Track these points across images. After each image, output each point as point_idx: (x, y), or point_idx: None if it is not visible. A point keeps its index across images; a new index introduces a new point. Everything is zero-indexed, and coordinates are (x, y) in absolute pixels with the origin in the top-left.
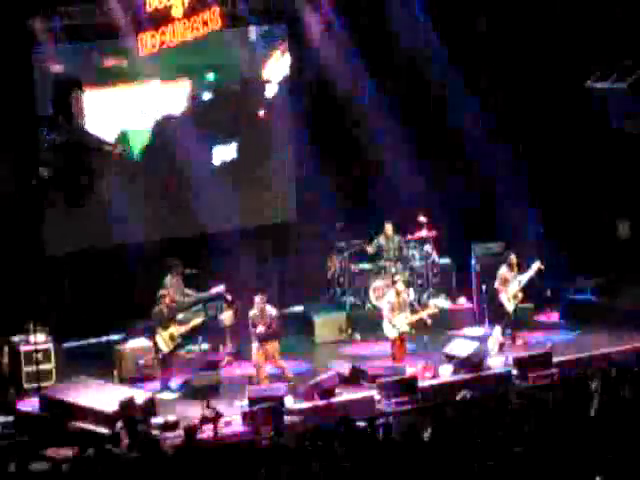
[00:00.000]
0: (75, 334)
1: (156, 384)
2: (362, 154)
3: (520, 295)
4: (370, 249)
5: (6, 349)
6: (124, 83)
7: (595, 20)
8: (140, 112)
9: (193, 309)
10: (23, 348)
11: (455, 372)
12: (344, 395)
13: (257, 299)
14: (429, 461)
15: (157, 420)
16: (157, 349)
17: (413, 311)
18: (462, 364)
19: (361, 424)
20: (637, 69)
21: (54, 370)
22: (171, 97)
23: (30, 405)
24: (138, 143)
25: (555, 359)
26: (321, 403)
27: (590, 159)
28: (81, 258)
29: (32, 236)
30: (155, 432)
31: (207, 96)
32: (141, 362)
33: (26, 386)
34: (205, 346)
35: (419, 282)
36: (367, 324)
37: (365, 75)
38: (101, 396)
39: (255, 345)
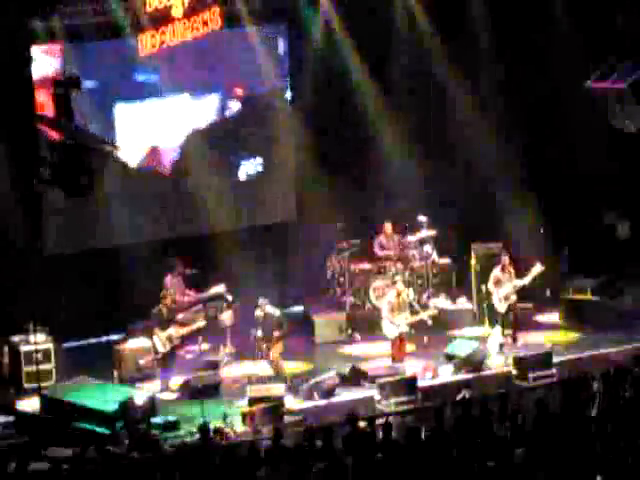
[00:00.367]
0: (75, 334)
1: (156, 384)
2: (362, 154)
3: (513, 297)
4: (377, 250)
5: (6, 349)
6: (155, 98)
7: (595, 20)
8: (170, 127)
9: (193, 309)
10: (23, 348)
11: (455, 372)
12: (344, 395)
13: (261, 301)
14: (429, 461)
15: (157, 420)
16: (156, 349)
17: (413, 311)
18: (462, 364)
19: (361, 424)
20: (637, 69)
21: (54, 370)
22: (200, 112)
23: (30, 405)
24: (168, 158)
25: (555, 359)
26: (321, 403)
27: (590, 159)
28: (81, 258)
29: (32, 236)
30: (155, 432)
31: (234, 111)
32: (141, 362)
33: (26, 386)
34: (205, 346)
35: (419, 282)
36: (367, 324)
37: (366, 75)
38: (101, 396)
39: (265, 345)
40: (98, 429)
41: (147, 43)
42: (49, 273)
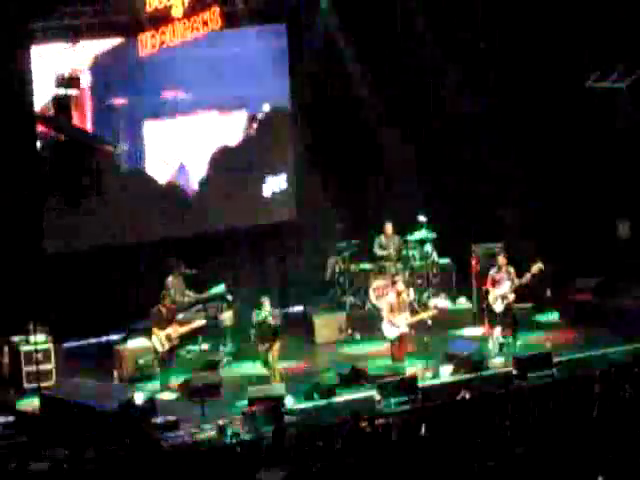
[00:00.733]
0: (75, 334)
1: (156, 384)
2: (362, 154)
3: (511, 296)
4: (377, 250)
5: (6, 349)
6: (183, 114)
7: (595, 20)
8: (198, 144)
9: (193, 309)
10: (23, 348)
11: (455, 372)
12: (344, 395)
13: (264, 300)
14: (429, 461)
15: (157, 420)
16: (156, 349)
17: (413, 311)
18: (462, 364)
19: (362, 424)
20: (637, 69)
21: (54, 370)
22: (228, 128)
23: (30, 405)
24: (196, 174)
25: (555, 359)
26: (321, 403)
27: (590, 159)
28: (81, 258)
29: (32, 236)
30: (155, 432)
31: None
32: (141, 362)
33: (26, 386)
34: (205, 346)
35: (419, 282)
36: (367, 324)
37: (366, 74)
38: (101, 396)
39: (265, 346)
40: (98, 429)
41: (147, 43)
42: (49, 273)
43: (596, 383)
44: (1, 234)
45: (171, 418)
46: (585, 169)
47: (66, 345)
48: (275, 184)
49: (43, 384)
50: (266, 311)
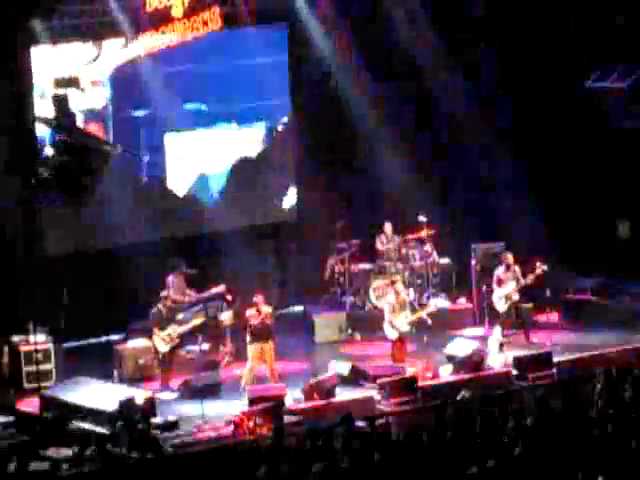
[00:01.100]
0: (75, 334)
1: (156, 384)
2: (362, 154)
3: (515, 296)
4: (379, 246)
5: (6, 349)
6: (203, 127)
7: (595, 20)
8: (218, 156)
9: (193, 309)
10: (23, 348)
11: (455, 372)
12: (344, 395)
13: (258, 298)
14: (429, 461)
15: (157, 420)
16: (156, 349)
17: (413, 310)
18: (462, 364)
19: (361, 424)
20: (637, 69)
21: (54, 370)
22: (247, 140)
23: (30, 405)
24: (215, 186)
25: (555, 359)
26: (321, 403)
27: (590, 159)
28: (81, 258)
29: (32, 236)
30: (155, 432)
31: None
32: (141, 362)
33: (26, 386)
34: (205, 346)
35: (419, 282)
36: (367, 324)
37: (365, 75)
38: (101, 396)
39: (254, 346)
40: (98, 429)
41: (147, 43)
42: (49, 273)
43: (596, 383)
44: (1, 234)
45: (171, 418)
46: (585, 169)
47: (66, 345)
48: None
49: (43, 384)
50: (263, 311)
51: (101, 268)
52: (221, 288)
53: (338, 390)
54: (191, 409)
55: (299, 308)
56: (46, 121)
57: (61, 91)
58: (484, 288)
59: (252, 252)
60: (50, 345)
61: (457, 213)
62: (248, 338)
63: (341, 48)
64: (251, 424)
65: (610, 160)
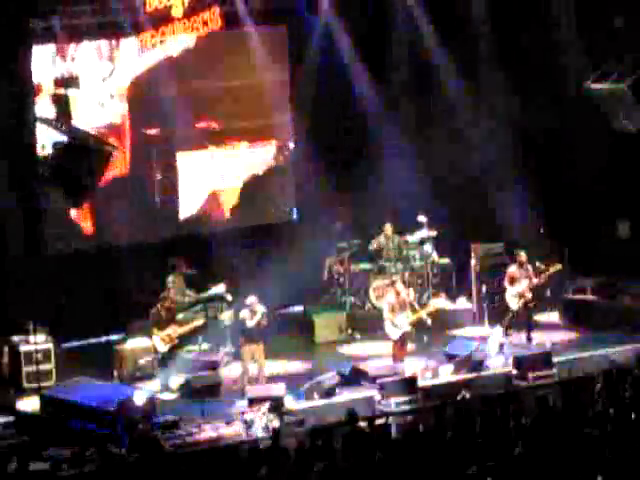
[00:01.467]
0: (75, 334)
1: (156, 384)
2: (362, 154)
3: (528, 295)
4: (374, 245)
5: (6, 349)
6: (215, 145)
7: (595, 20)
8: (229, 173)
9: (193, 309)
10: (23, 348)
11: (455, 372)
12: (344, 395)
13: (252, 299)
14: (429, 461)
15: (157, 420)
16: (155, 349)
17: (413, 311)
18: (462, 364)
19: (361, 424)
20: (637, 69)
21: (54, 370)
22: (258, 157)
23: (30, 405)
24: (227, 202)
25: (555, 359)
26: (321, 403)
27: (590, 159)
28: (81, 258)
29: (32, 236)
30: (155, 432)
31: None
32: (141, 362)
33: (26, 386)
34: (205, 346)
35: (419, 282)
36: (367, 324)
37: (365, 75)
38: (101, 396)
39: (251, 347)
40: (98, 429)
41: (147, 43)
42: (49, 273)
43: (596, 383)
44: (1, 234)
45: (171, 418)
46: (585, 169)
47: (66, 345)
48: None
49: (43, 384)
50: (260, 312)
51: (101, 268)
52: (221, 288)
53: (338, 390)
54: (191, 409)
55: (299, 308)
56: (46, 121)
57: (60, 91)
58: (484, 288)
59: (252, 252)
60: (50, 345)
61: (457, 213)
62: (241, 339)
63: (341, 48)
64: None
65: (610, 160)
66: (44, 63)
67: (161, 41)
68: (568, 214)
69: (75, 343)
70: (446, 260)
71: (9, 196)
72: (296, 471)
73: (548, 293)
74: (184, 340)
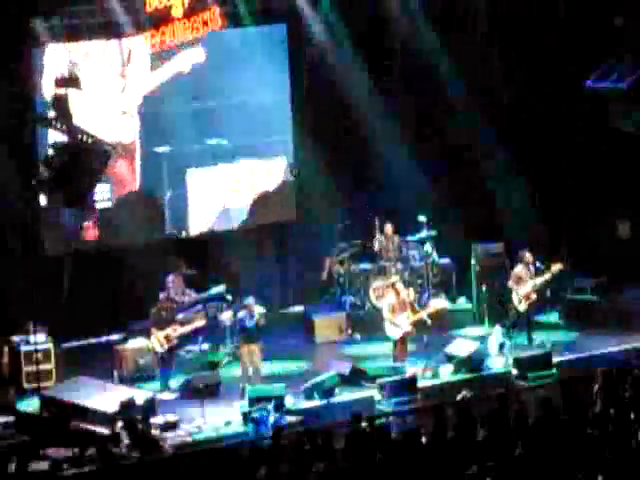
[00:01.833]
0: (75, 334)
1: (156, 384)
2: (363, 154)
3: (534, 296)
4: (376, 246)
5: (6, 349)
6: (224, 162)
7: (595, 20)
8: (240, 189)
9: (193, 309)
10: (23, 348)
11: (455, 372)
12: (344, 395)
13: (250, 300)
14: (429, 461)
15: (157, 420)
16: (155, 349)
17: (413, 310)
18: (462, 364)
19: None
20: (637, 69)
21: (54, 370)
22: (268, 174)
23: (30, 405)
24: (237, 218)
25: (555, 359)
26: (321, 403)
27: (590, 159)
28: (81, 258)
29: (32, 236)
30: (155, 432)
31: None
32: (141, 362)
33: (26, 386)
34: (205, 346)
35: (419, 282)
36: (367, 324)
37: (365, 75)
38: (101, 396)
39: (245, 347)
40: (98, 429)
41: (147, 43)
42: (49, 273)
43: (596, 383)
44: (1, 234)
45: (171, 418)
46: (585, 169)
47: (66, 345)
48: None
49: (43, 384)
50: (258, 313)
51: (101, 268)
52: (221, 288)
53: (338, 390)
54: (191, 409)
55: (299, 308)
56: (46, 121)
57: (61, 91)
58: (484, 288)
59: (252, 252)
60: (50, 345)
61: (457, 213)
62: (240, 340)
63: (341, 47)
64: None
65: (610, 160)
66: (44, 63)
67: (161, 41)
68: (568, 214)
69: (75, 343)
70: (446, 260)
71: (9, 196)
72: (296, 471)
73: (548, 293)
74: (184, 340)
